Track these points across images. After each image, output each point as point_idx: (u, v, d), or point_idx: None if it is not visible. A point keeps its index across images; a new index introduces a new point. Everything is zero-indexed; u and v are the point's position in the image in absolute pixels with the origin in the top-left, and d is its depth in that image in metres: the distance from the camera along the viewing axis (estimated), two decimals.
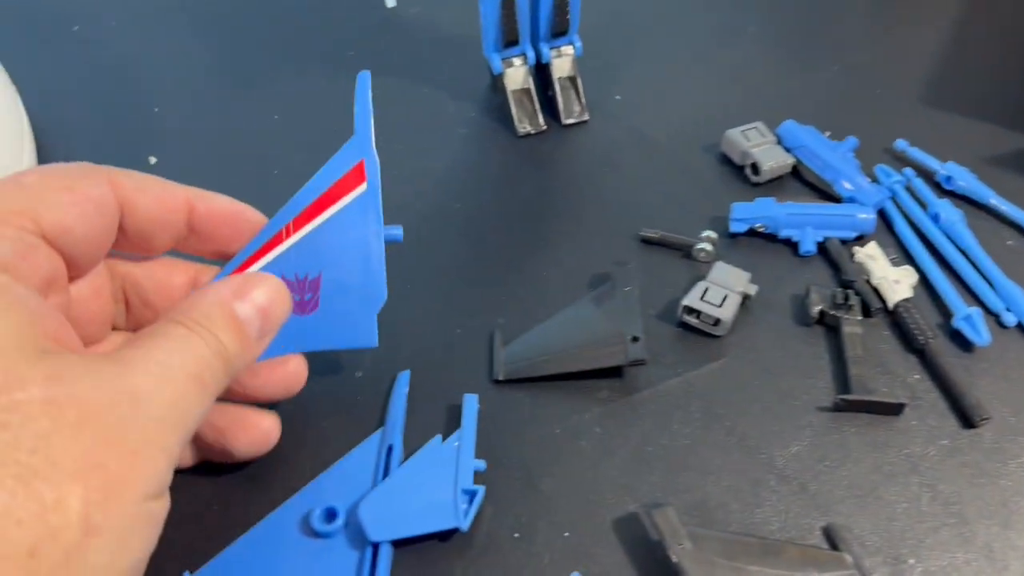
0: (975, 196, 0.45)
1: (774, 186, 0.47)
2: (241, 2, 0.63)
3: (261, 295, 0.30)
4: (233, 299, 0.29)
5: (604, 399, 0.38)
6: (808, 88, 0.53)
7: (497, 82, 0.51)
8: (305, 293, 0.33)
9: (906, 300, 0.40)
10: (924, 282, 0.42)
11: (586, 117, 0.52)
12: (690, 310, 0.40)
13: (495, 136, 0.51)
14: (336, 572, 0.32)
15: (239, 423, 0.34)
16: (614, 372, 0.38)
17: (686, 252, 0.44)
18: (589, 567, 0.32)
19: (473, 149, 0.51)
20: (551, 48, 0.51)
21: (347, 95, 0.34)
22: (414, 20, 0.60)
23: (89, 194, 0.29)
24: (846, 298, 0.40)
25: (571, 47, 0.51)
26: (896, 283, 0.41)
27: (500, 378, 0.38)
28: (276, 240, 0.33)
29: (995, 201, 0.45)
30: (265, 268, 0.33)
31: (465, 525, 0.32)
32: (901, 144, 0.48)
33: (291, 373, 0.35)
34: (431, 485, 0.33)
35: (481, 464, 0.34)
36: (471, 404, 0.36)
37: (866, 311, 0.40)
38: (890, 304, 0.40)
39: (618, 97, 0.54)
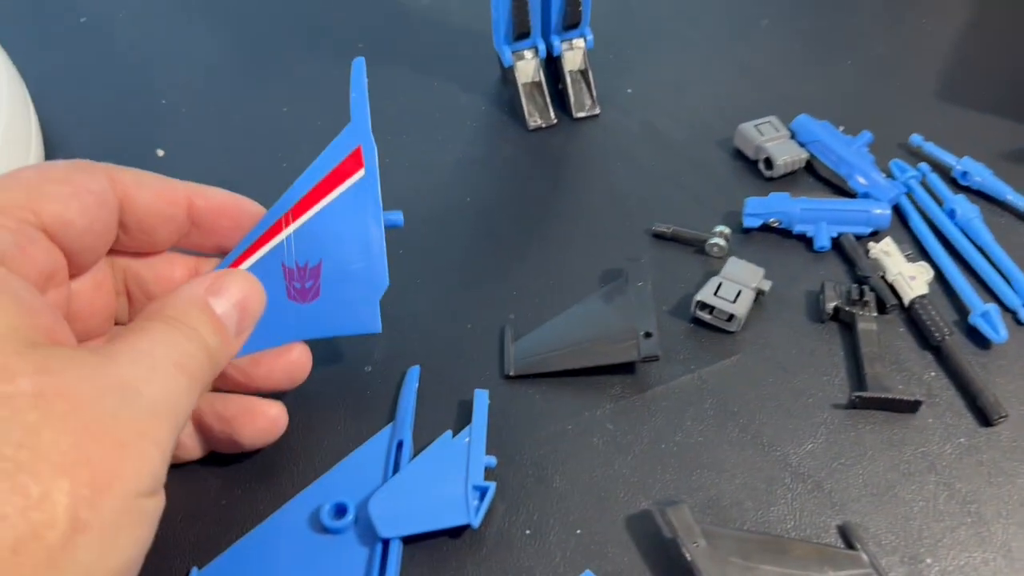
0: (991, 192, 0.45)
1: (788, 181, 0.47)
2: None
3: (236, 290, 0.30)
4: (207, 295, 0.29)
5: (616, 395, 0.37)
6: (822, 82, 0.53)
7: (508, 75, 0.51)
8: (306, 281, 0.33)
9: (922, 296, 0.40)
10: (940, 278, 0.41)
11: (597, 111, 0.51)
12: (703, 306, 0.39)
13: (505, 130, 0.51)
14: (346, 568, 0.32)
15: (246, 412, 0.34)
16: (626, 368, 0.38)
17: (699, 247, 0.43)
18: (602, 565, 0.32)
19: (483, 143, 0.50)
20: (562, 41, 0.50)
21: None
22: (424, 12, 0.60)
23: (89, 187, 0.29)
24: (861, 294, 0.40)
25: (582, 40, 0.50)
26: (912, 279, 0.40)
27: (511, 373, 0.38)
28: (275, 229, 0.33)
29: (1012, 197, 0.44)
30: (264, 257, 0.33)
31: (476, 522, 0.32)
32: (916, 139, 0.47)
33: (295, 362, 0.34)
34: (442, 481, 0.33)
35: (492, 460, 0.34)
36: (482, 400, 0.36)
37: (881, 307, 0.40)
38: (906, 301, 0.40)
39: (630, 91, 0.53)
